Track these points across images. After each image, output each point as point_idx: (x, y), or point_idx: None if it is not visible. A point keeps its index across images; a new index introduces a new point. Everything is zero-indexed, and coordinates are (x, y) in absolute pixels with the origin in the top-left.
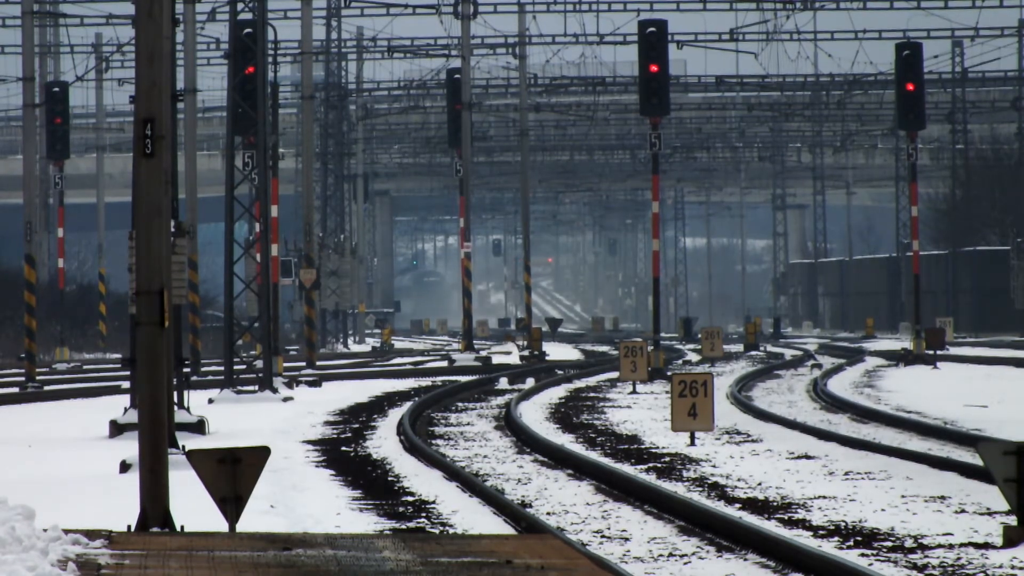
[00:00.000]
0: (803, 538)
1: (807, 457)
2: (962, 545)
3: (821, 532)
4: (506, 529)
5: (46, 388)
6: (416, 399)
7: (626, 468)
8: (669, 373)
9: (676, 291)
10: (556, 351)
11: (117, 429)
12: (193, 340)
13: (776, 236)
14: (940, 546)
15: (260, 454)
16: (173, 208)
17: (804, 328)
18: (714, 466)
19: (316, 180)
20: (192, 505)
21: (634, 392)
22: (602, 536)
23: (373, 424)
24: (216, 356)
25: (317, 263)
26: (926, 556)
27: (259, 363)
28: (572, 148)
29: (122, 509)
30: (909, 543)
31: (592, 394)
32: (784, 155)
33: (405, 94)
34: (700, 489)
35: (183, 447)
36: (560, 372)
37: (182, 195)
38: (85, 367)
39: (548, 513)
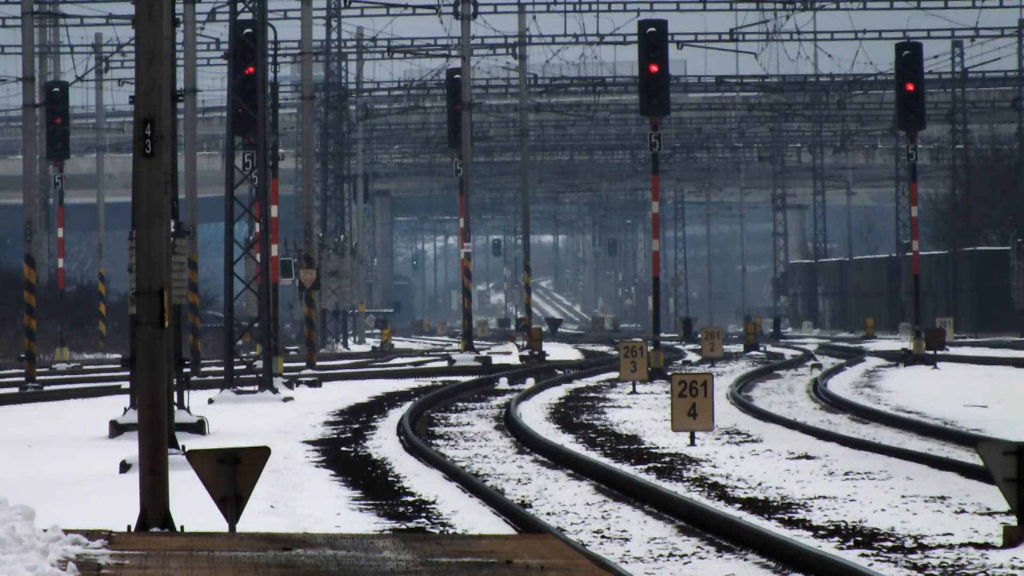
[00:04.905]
0: (803, 538)
1: (807, 457)
2: (962, 545)
3: (821, 532)
4: (506, 529)
5: (46, 388)
6: (416, 399)
7: (626, 468)
8: (669, 373)
9: (676, 291)
10: (556, 351)
11: (117, 429)
12: (193, 340)
13: (776, 236)
14: (940, 546)
15: (260, 454)
16: (173, 208)
17: (804, 328)
18: (714, 466)
19: (316, 180)
20: (192, 505)
21: (634, 392)
22: (602, 536)
23: (373, 424)
24: (216, 356)
25: (317, 263)
26: (926, 556)
27: (259, 363)
28: (572, 148)
29: (122, 509)
30: (909, 543)
31: (592, 394)
32: (784, 155)
33: (405, 94)
34: (700, 489)
35: (183, 447)
36: (560, 372)
37: (182, 195)
38: (85, 367)
39: (548, 513)
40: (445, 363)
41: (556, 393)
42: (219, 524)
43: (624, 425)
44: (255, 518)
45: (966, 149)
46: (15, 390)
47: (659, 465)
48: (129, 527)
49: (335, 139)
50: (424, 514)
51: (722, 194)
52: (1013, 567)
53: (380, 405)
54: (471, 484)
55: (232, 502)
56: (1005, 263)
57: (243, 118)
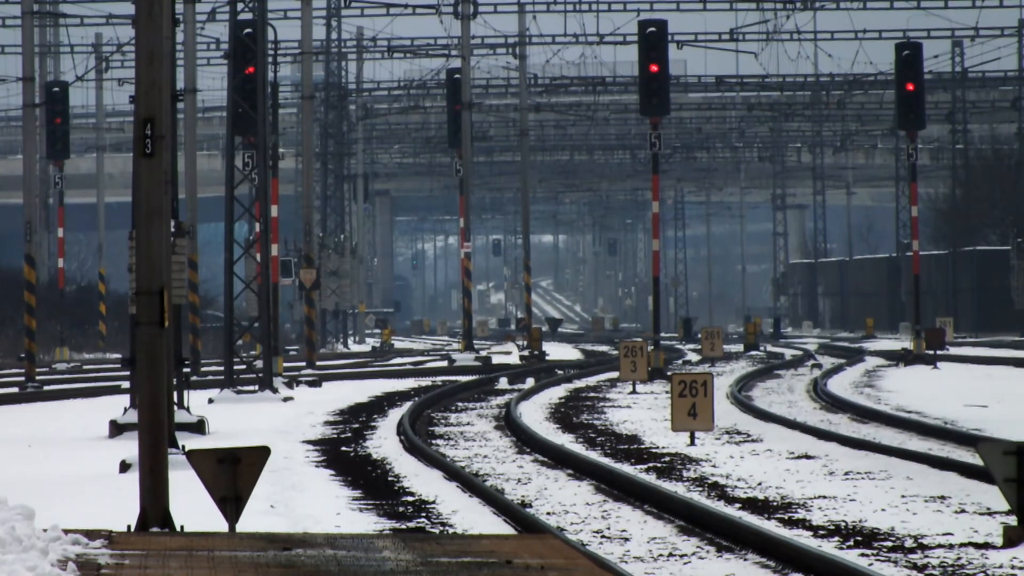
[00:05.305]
0: (803, 538)
1: (807, 457)
2: (962, 545)
3: (821, 532)
4: (506, 529)
5: (46, 388)
6: (416, 399)
7: (626, 468)
8: (669, 373)
9: (676, 291)
10: (556, 351)
11: (117, 429)
12: (193, 340)
13: (776, 236)
14: (940, 546)
15: (260, 454)
16: (173, 208)
17: (804, 328)
18: (714, 466)
19: (316, 180)
20: (192, 505)
21: (634, 392)
22: (602, 536)
23: (373, 424)
24: (216, 356)
25: (317, 263)
26: (926, 556)
27: (259, 363)
28: (572, 148)
29: (122, 509)
30: (909, 543)
31: (592, 394)
32: (784, 155)
33: (405, 94)
34: (700, 489)
35: (183, 447)
36: (560, 372)
37: (182, 195)
38: (85, 367)
39: (548, 513)
40: (445, 363)
41: (556, 393)
42: (219, 524)
43: (624, 425)
44: (255, 518)
45: (966, 149)
46: (15, 390)
47: (659, 465)
48: (129, 527)
49: (335, 139)
50: (424, 514)
51: (722, 194)
52: (1013, 567)
53: (380, 405)
54: (471, 484)
55: (232, 502)
56: (1005, 263)
57: (243, 118)
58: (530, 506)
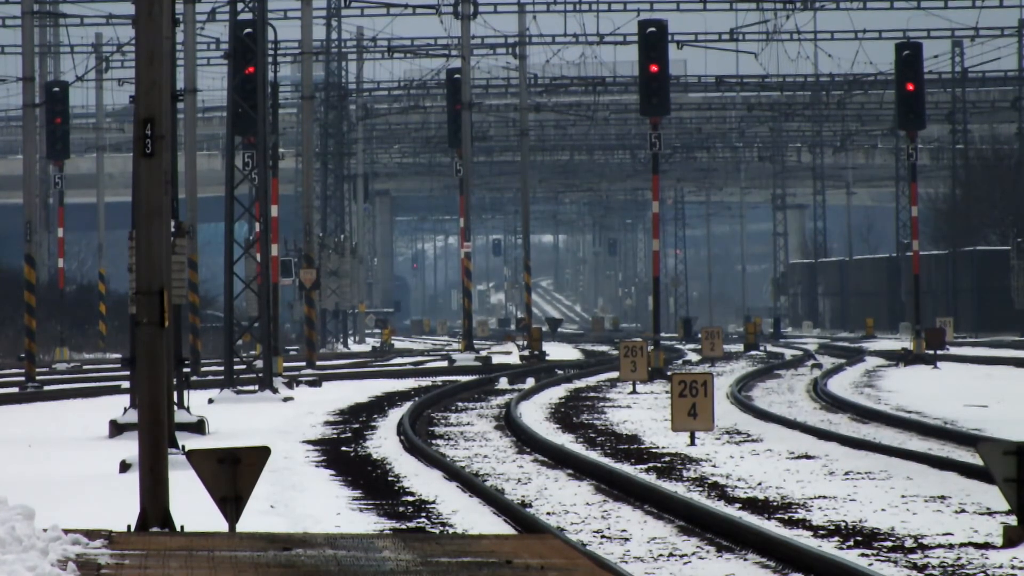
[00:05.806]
0: (803, 538)
1: (807, 457)
2: (962, 545)
3: (821, 532)
4: (506, 529)
5: (46, 388)
6: (416, 399)
7: (626, 468)
8: (669, 373)
9: (676, 291)
10: (556, 351)
11: (117, 429)
12: (193, 340)
13: (776, 236)
14: (940, 546)
15: (260, 454)
16: (173, 208)
17: (804, 328)
18: (714, 466)
19: (316, 180)
20: (192, 505)
21: (634, 392)
22: (602, 536)
23: (373, 424)
24: (216, 356)
25: (317, 263)
26: (926, 556)
27: (259, 363)
28: (572, 148)
29: (122, 509)
30: (909, 543)
31: (592, 394)
32: (784, 155)
33: (405, 94)
34: (700, 489)
35: (183, 447)
36: (560, 372)
37: (182, 195)
38: (85, 367)
39: (548, 513)
40: (445, 363)
41: (556, 393)
42: (219, 524)
43: (624, 425)
44: (255, 518)
45: (966, 149)
46: (15, 390)
47: (659, 465)
48: (129, 527)
49: (335, 139)
50: (424, 514)
51: (722, 194)
52: (1013, 567)
53: (380, 405)
54: (471, 484)
55: (232, 502)
56: (1005, 263)
57: (243, 118)
58: (530, 506)
